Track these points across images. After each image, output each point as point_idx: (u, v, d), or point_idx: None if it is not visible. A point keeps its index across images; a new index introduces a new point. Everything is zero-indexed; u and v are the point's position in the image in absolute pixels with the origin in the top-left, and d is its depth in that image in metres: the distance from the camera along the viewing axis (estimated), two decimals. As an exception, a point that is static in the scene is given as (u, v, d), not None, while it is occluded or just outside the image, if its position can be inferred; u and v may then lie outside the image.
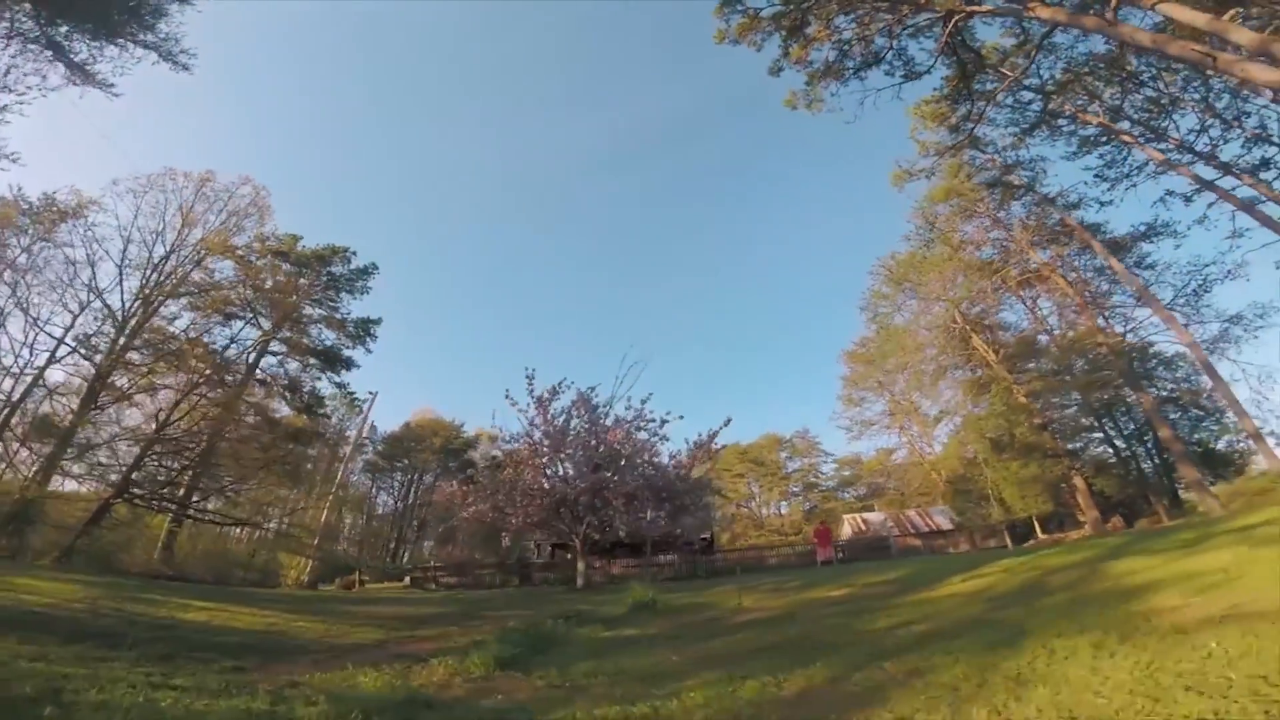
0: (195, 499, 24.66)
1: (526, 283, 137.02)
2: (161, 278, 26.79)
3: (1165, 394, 27.92)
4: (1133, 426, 30.40)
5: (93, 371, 22.47)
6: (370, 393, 32.91)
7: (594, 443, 18.44)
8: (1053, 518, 33.29)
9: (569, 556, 32.17)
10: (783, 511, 55.26)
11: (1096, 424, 30.82)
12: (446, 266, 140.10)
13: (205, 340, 30.33)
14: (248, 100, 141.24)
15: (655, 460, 18.55)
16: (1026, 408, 29.21)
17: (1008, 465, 28.99)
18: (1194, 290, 27.46)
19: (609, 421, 18.84)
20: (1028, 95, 25.26)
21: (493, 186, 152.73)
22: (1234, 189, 23.96)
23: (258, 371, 35.84)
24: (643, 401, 18.69)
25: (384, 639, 7.62)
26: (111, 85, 19.67)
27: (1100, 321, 29.20)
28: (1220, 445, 27.39)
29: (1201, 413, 28.20)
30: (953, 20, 18.99)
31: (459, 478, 59.96)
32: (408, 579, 27.38)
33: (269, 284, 34.73)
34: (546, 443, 19.23)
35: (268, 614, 9.45)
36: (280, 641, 7.01)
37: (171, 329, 28.36)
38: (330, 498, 29.52)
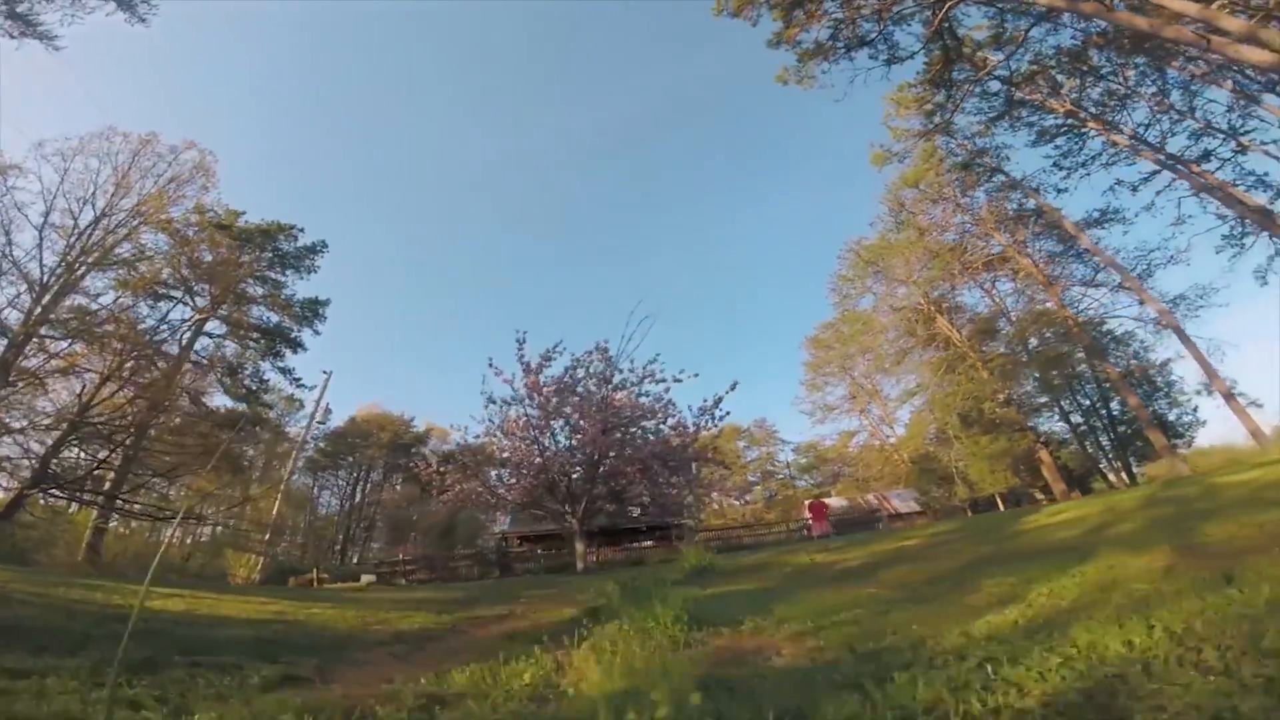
0: (124, 491, 21.46)
1: (487, 276, 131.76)
2: (87, 244, 23.38)
3: (1121, 369, 28.87)
4: (1088, 403, 31.41)
5: (2, 346, 19.13)
6: (324, 372, 30.00)
7: (601, 405, 16.55)
8: (1010, 496, 34.11)
9: (538, 550, 30.67)
10: (746, 501, 54.85)
11: (1054, 400, 31.72)
12: (407, 259, 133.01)
13: (133, 318, 26.95)
14: (210, 74, 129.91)
15: (674, 423, 16.90)
16: (993, 383, 29.67)
17: (977, 440, 29.37)
18: (1141, 273, 28.79)
19: (618, 380, 17.15)
20: (995, 85, 25.66)
21: (463, 179, 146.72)
22: (1172, 183, 25.03)
23: (193, 353, 32.46)
24: (650, 362, 16.96)
25: (443, 623, 5.89)
26: (55, 38, 16.96)
27: (1051, 302, 29.86)
28: (1172, 416, 28.59)
29: (1151, 386, 29.38)
30: (946, 5, 19.01)
31: (408, 471, 57.34)
32: (374, 576, 24.92)
33: (207, 259, 31.52)
34: (537, 413, 17.43)
35: (256, 600, 7.43)
36: (312, 634, 5.00)
37: (95, 305, 24.91)
38: (282, 489, 26.53)
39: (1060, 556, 5.81)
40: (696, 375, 16.22)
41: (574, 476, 17.95)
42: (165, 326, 31.28)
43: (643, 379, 16.51)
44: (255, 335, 34.25)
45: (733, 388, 17.61)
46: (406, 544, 47.45)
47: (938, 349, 33.11)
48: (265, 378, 34.65)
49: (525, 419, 17.54)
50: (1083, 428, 31.75)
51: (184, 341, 32.39)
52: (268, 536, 24.56)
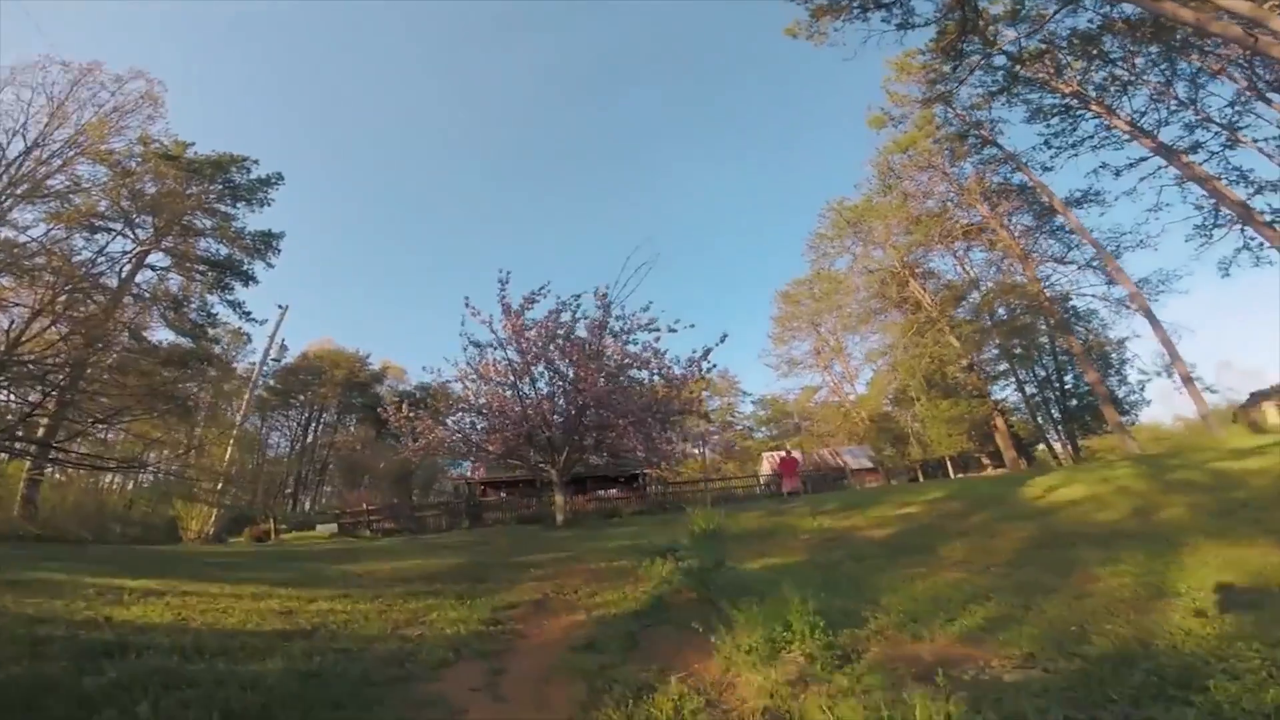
0: (60, 439, 19.62)
1: (461, 218, 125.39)
2: (16, 176, 21.18)
3: (1083, 344, 29.78)
4: (1044, 374, 32.45)
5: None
6: (279, 306, 28.08)
7: (595, 353, 15.63)
8: (959, 461, 35.39)
9: (503, 496, 30.16)
10: (704, 452, 55.46)
11: (1012, 370, 32.68)
12: (374, 195, 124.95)
13: (67, 250, 24.71)
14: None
15: (667, 372, 15.97)
16: (958, 349, 30.23)
17: (937, 403, 30.05)
18: (1111, 254, 29.43)
19: (614, 326, 16.03)
20: (999, 60, 25.37)
21: (436, 115, 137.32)
22: (1159, 169, 25.27)
23: (134, 287, 30.11)
24: (643, 309, 15.82)
25: (482, 617, 4.73)
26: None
27: (1024, 275, 30.36)
28: (1121, 393, 29.81)
29: (1105, 363, 30.46)
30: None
31: (364, 412, 55.19)
32: (335, 526, 23.99)
33: (151, 190, 29.26)
34: (518, 358, 16.44)
35: (247, 592, 6.17)
36: (352, 656, 3.63)
37: (24, 238, 22.76)
38: (235, 433, 24.96)
39: (1136, 543, 5.53)
40: (693, 326, 15.48)
41: (555, 426, 17.27)
42: (103, 259, 29.17)
43: (634, 328, 15.57)
44: (202, 268, 32.31)
45: (722, 339, 16.98)
46: (361, 489, 46.25)
47: (908, 312, 33.42)
48: (213, 312, 32.55)
49: (506, 364, 16.59)
50: (1036, 399, 32.90)
51: (124, 275, 30.14)
52: (220, 485, 23.08)
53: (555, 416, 17.10)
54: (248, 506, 32.17)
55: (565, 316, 16.30)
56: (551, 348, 15.90)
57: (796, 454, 45.65)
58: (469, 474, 33.96)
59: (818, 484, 24.77)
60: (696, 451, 18.78)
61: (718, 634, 3.60)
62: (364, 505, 24.24)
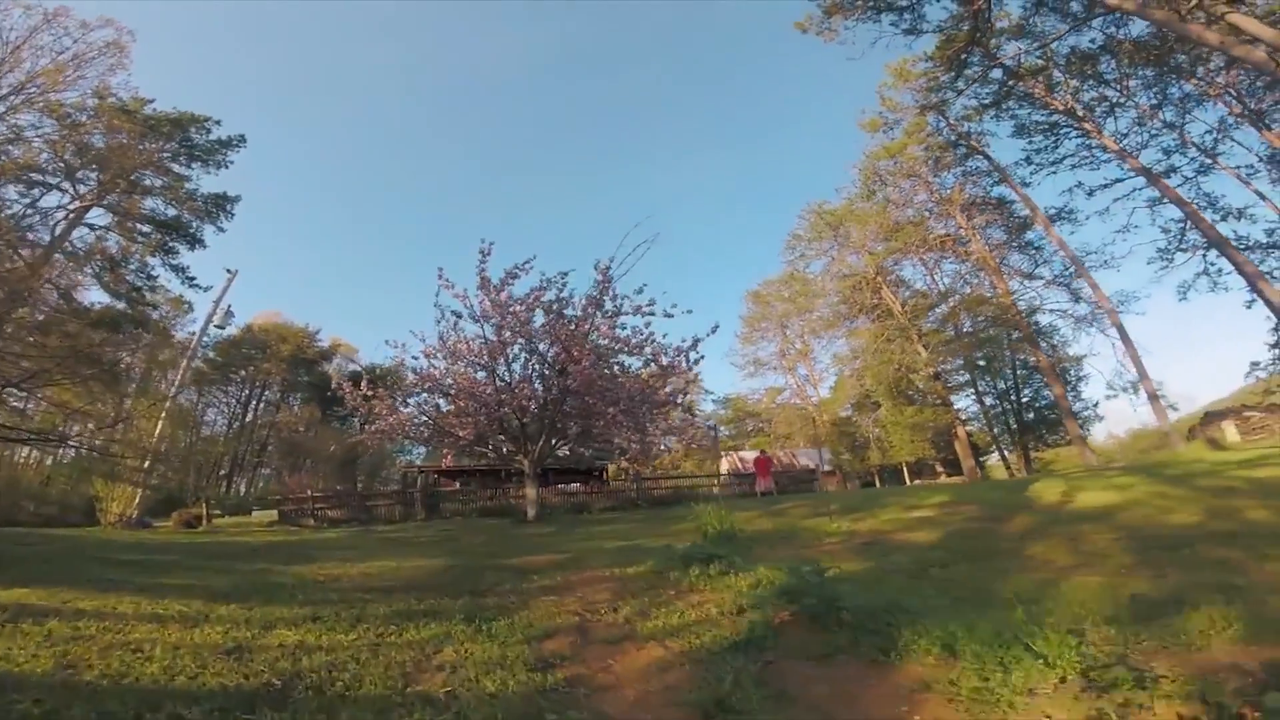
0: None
1: (436, 197, 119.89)
2: None
3: (1049, 359, 30.17)
4: (1003, 386, 32.82)
5: None
6: (228, 271, 25.46)
7: (576, 336, 13.97)
8: (914, 467, 35.58)
9: (458, 486, 28.28)
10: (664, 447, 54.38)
11: (973, 381, 32.93)
12: (343, 168, 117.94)
13: None
14: None
15: (662, 360, 14.56)
16: (924, 358, 30.16)
17: (902, 410, 29.92)
18: (1075, 272, 29.89)
19: (609, 307, 14.44)
20: (996, 74, 25.51)
21: (428, 90, 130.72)
22: (1135, 190, 25.69)
23: (68, 244, 27.33)
24: (638, 291, 14.14)
25: (516, 654, 3.57)
26: None
27: (997, 288, 30.56)
28: (1076, 408, 30.32)
29: (1063, 378, 30.91)
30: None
31: (308, 390, 51.46)
32: (275, 514, 21.74)
33: (99, 144, 26.91)
34: (494, 336, 14.87)
35: (175, 607, 4.54)
36: None
37: None
38: (167, 406, 22.34)
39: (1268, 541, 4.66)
40: (690, 311, 14.22)
41: (531, 412, 15.81)
42: (34, 213, 26.52)
43: (626, 310, 14.12)
44: (146, 228, 29.83)
45: (714, 330, 15.88)
46: (303, 473, 43.20)
47: (878, 319, 33.24)
48: (153, 274, 29.66)
49: (482, 342, 15.01)
50: (996, 410, 33.27)
51: (57, 231, 27.32)
52: (147, 464, 20.54)
53: (531, 403, 15.67)
54: (177, 488, 29.23)
55: (549, 295, 14.83)
56: (537, 323, 14.37)
57: (752, 453, 45.10)
58: (418, 462, 31.90)
59: (786, 485, 23.98)
60: (678, 446, 17.49)
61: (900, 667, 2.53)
62: (308, 491, 22.02)
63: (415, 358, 15.99)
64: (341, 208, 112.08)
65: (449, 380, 15.82)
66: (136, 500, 20.61)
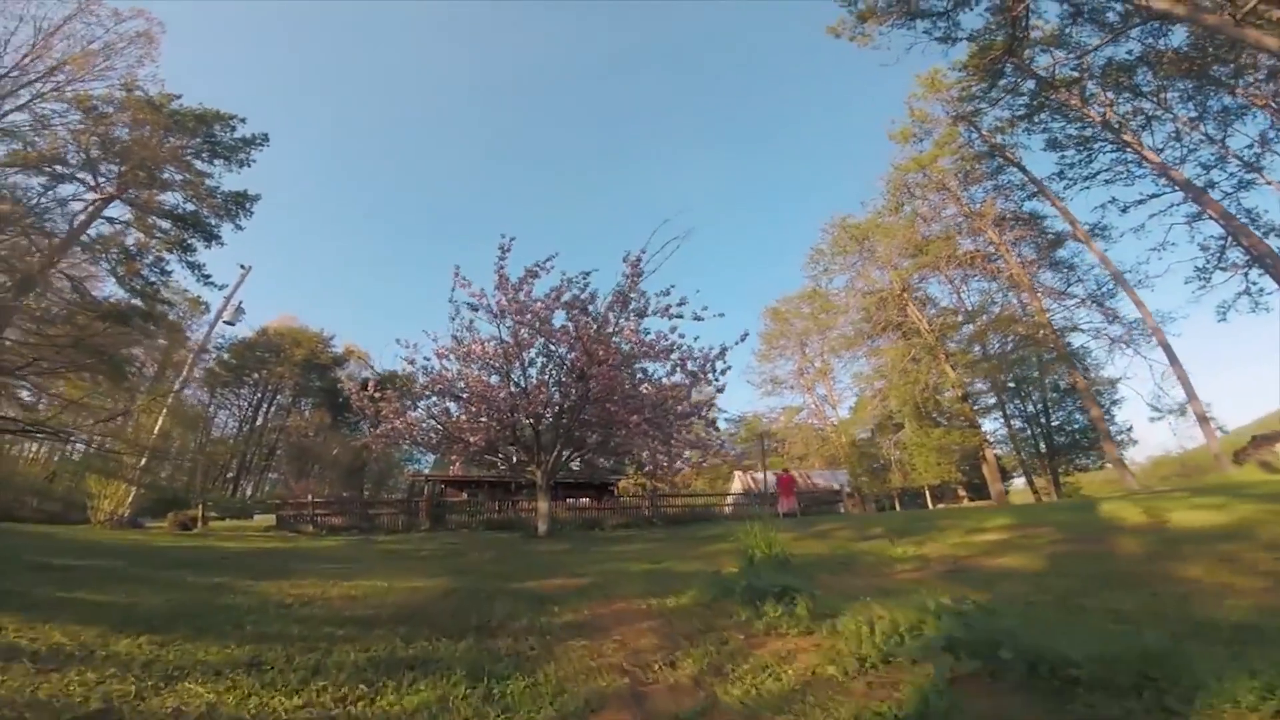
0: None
1: (456, 209, 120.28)
2: None
3: (1085, 380, 28.61)
4: (1031, 409, 31.16)
5: None
6: (241, 267, 24.57)
7: (599, 338, 12.59)
8: (935, 491, 33.83)
9: (466, 497, 26.94)
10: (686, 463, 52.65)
11: (1000, 402, 31.33)
12: (367, 175, 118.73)
13: (13, 190, 21.95)
14: None
15: (688, 367, 13.20)
16: (953, 378, 28.67)
17: (929, 431, 28.37)
18: (1106, 292, 28.48)
19: (634, 306, 13.06)
20: (1029, 85, 24.47)
21: (448, 96, 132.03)
22: (1172, 206, 24.39)
23: (85, 236, 26.95)
24: (664, 293, 12.75)
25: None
26: None
27: (1031, 306, 29.09)
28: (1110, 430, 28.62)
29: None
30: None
31: (320, 396, 50.41)
32: (273, 518, 20.54)
33: (124, 136, 26.72)
34: (510, 338, 13.67)
35: (39, 627, 3.35)
36: None
37: None
38: (168, 402, 21.30)
39: None
40: (722, 315, 12.95)
41: (547, 419, 14.57)
42: (53, 202, 26.28)
43: (652, 311, 12.78)
44: (166, 224, 29.32)
45: (743, 338, 14.71)
46: (308, 479, 42.04)
47: (903, 337, 31.79)
48: (167, 269, 28.97)
49: (497, 344, 13.84)
50: (1025, 433, 31.57)
51: (76, 223, 26.95)
52: (144, 461, 19.44)
53: (547, 409, 14.43)
54: (183, 489, 28.07)
55: (568, 297, 13.62)
56: (557, 324, 13.16)
57: (751, 479, 43.27)
58: (426, 471, 30.62)
59: (808, 506, 22.44)
60: (696, 462, 16.06)
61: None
62: (309, 497, 20.79)
63: (427, 359, 14.87)
64: (365, 214, 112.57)
65: (461, 383, 14.68)
66: (130, 499, 19.45)
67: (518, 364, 14.05)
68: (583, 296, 12.40)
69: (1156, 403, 24.23)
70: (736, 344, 14.88)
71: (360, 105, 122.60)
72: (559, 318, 13.11)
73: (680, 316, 12.84)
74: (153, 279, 28.24)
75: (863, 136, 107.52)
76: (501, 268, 13.51)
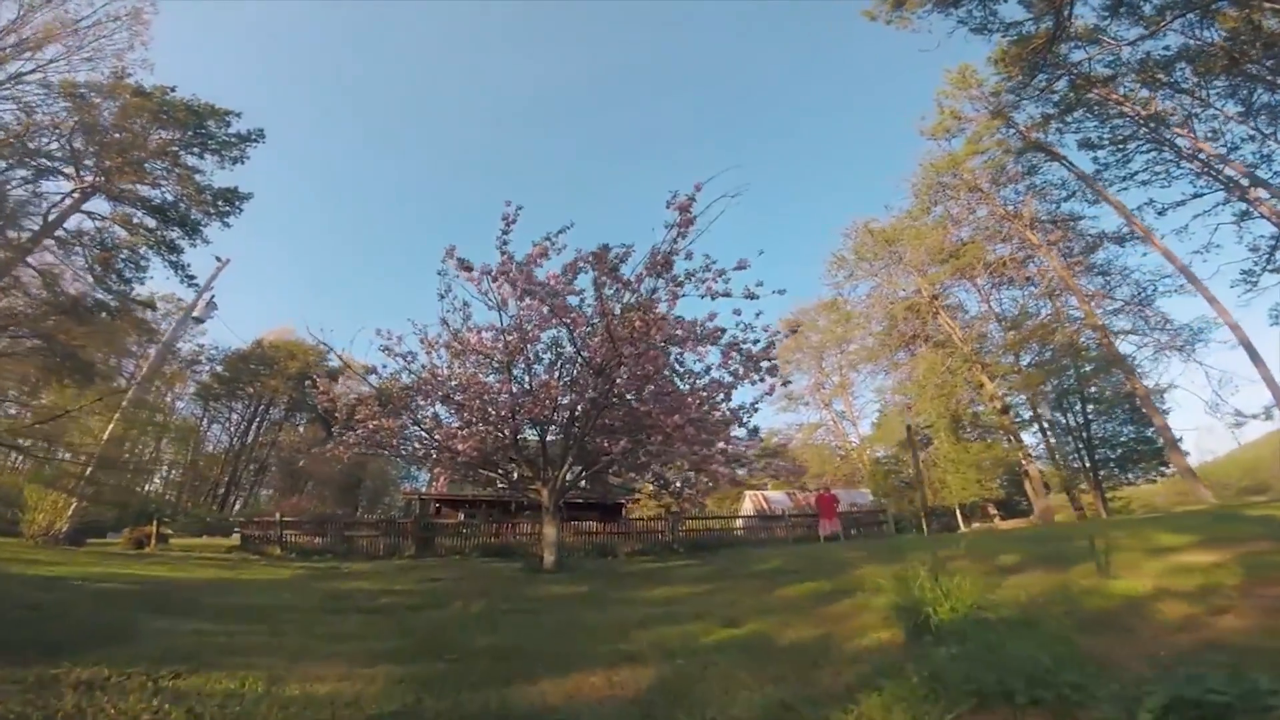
0: None
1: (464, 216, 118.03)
2: None
3: (1111, 391, 25.60)
4: (1070, 421, 27.95)
5: None
6: (218, 259, 21.66)
7: (644, 327, 9.19)
8: (964, 509, 30.54)
9: (462, 520, 23.59)
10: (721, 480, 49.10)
11: (1034, 415, 28.22)
12: (373, 182, 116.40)
13: None
14: None
15: (732, 361, 9.95)
16: (991, 389, 25.63)
17: (966, 446, 25.23)
18: (1144, 299, 25.75)
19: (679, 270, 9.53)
20: (1062, 82, 22.22)
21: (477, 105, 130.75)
22: (1217, 206, 21.84)
23: (61, 230, 24.29)
24: (705, 266, 9.32)
25: None
26: None
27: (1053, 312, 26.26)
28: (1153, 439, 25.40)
29: (1134, 409, 26.19)
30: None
31: (314, 410, 46.95)
32: (236, 536, 17.30)
33: (108, 125, 24.21)
34: (513, 327, 10.64)
35: None
36: None
37: None
38: (124, 403, 18.13)
39: None
40: (783, 291, 9.79)
41: (554, 427, 11.51)
42: (33, 196, 23.67)
43: (696, 275, 9.31)
44: (152, 222, 26.58)
45: (793, 331, 11.68)
46: (301, 495, 38.61)
47: (934, 347, 28.78)
48: (143, 264, 26.04)
49: (497, 336, 10.81)
50: (1068, 446, 28.33)
51: (50, 217, 24.21)
52: (89, 470, 16.20)
53: (556, 412, 11.33)
54: (151, 501, 24.62)
55: (583, 279, 10.53)
56: (578, 301, 10.08)
57: (778, 494, 39.48)
58: (424, 488, 27.25)
59: (851, 528, 19.19)
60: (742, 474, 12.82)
61: None
62: (276, 515, 17.50)
63: (411, 353, 11.80)
64: (369, 217, 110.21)
65: (454, 382, 11.56)
66: (70, 511, 16.25)
67: (521, 360, 10.97)
68: (615, 253, 9.10)
69: (1214, 409, 21.26)
70: (785, 336, 11.89)
71: (361, 104, 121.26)
72: (578, 291, 10.01)
73: (726, 294, 9.66)
74: (129, 275, 25.31)
75: (862, 141, 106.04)
76: (504, 243, 10.50)
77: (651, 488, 19.15)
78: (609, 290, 9.02)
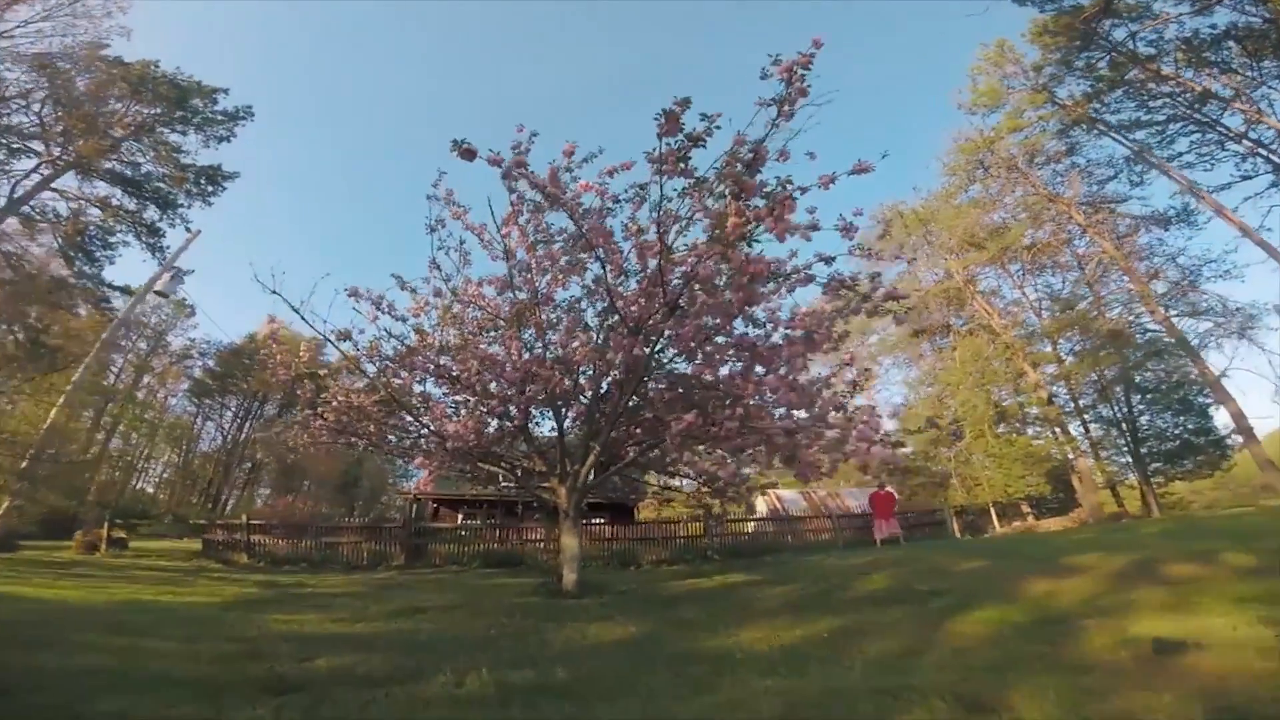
0: None
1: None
2: None
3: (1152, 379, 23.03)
4: (1115, 413, 25.10)
5: None
6: (188, 229, 19.01)
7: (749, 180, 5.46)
8: (999, 509, 27.75)
9: (461, 519, 20.68)
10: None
11: (1075, 408, 25.42)
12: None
13: None
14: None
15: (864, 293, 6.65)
16: (1035, 379, 22.90)
17: (1011, 440, 22.47)
18: (1188, 284, 23.21)
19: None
20: (1103, 60, 19.91)
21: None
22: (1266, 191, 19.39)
23: (29, 208, 21.65)
24: (782, 185, 5.47)
25: None
26: None
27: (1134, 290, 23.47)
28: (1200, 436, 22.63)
29: (1180, 402, 23.50)
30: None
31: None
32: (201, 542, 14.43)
33: (82, 96, 21.27)
34: (522, 288, 7.89)
35: None
36: None
37: None
38: (69, 386, 15.20)
39: None
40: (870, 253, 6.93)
41: (581, 398, 8.74)
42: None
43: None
44: (128, 196, 23.51)
45: (900, 302, 8.43)
46: (297, 495, 35.57)
47: (969, 334, 26.01)
48: (111, 242, 23.16)
49: (502, 289, 8.04)
50: (1116, 438, 25.45)
51: (15, 193, 21.60)
52: (24, 463, 13.37)
53: (582, 378, 8.57)
54: (79, 498, 21.35)
55: (617, 220, 7.67)
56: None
57: (790, 492, 36.15)
58: (420, 485, 24.26)
59: (908, 530, 16.20)
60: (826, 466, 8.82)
61: None
62: (243, 517, 14.59)
63: (389, 304, 8.93)
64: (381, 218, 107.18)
65: (445, 358, 8.63)
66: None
67: (532, 320, 8.08)
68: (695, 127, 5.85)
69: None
70: (892, 302, 8.65)
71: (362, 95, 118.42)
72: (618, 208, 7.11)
73: (814, 227, 6.61)
74: (95, 253, 22.36)
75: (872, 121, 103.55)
76: (514, 177, 7.63)
77: (680, 485, 15.90)
78: (670, 188, 5.91)
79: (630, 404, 7.90)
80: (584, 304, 8.73)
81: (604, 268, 7.12)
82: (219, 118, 25.19)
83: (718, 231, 5.46)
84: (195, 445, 46.54)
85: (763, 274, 6.17)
